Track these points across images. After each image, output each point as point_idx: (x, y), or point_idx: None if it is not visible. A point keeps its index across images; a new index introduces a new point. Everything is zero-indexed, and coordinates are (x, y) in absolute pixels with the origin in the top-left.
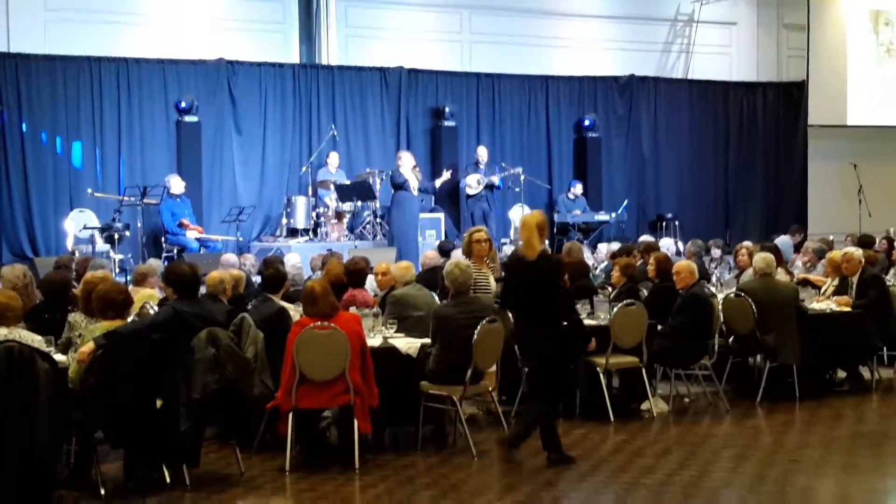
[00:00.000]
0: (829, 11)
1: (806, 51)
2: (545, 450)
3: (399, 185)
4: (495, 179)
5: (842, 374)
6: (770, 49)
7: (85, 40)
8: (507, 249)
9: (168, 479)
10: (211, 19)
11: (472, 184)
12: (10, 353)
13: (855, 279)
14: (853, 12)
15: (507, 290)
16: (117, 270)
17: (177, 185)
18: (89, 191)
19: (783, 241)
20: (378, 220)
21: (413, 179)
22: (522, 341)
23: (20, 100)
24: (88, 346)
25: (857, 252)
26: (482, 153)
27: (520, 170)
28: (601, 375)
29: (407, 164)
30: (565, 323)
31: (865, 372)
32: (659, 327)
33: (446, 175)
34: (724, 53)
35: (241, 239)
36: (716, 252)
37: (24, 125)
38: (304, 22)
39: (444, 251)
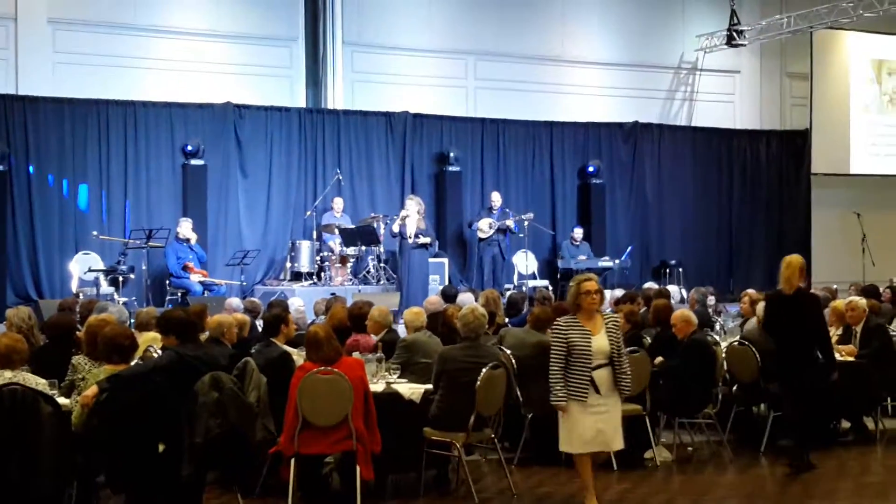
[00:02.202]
0: (833, 61)
1: (809, 99)
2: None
3: (396, 236)
4: (510, 223)
5: (846, 424)
6: (773, 97)
7: (92, 83)
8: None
9: None
10: (218, 64)
11: (484, 227)
12: (13, 395)
13: (859, 328)
14: (856, 62)
15: (769, 320)
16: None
17: (186, 229)
18: (94, 233)
19: None
20: (382, 264)
21: (411, 226)
22: (780, 363)
23: (27, 142)
24: (92, 390)
25: (862, 301)
26: (496, 198)
27: (531, 215)
28: None
29: (409, 211)
30: (819, 351)
31: (870, 422)
32: (655, 363)
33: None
34: (727, 101)
35: (244, 283)
36: (711, 299)
37: (30, 167)
38: (310, 67)
39: (448, 296)
